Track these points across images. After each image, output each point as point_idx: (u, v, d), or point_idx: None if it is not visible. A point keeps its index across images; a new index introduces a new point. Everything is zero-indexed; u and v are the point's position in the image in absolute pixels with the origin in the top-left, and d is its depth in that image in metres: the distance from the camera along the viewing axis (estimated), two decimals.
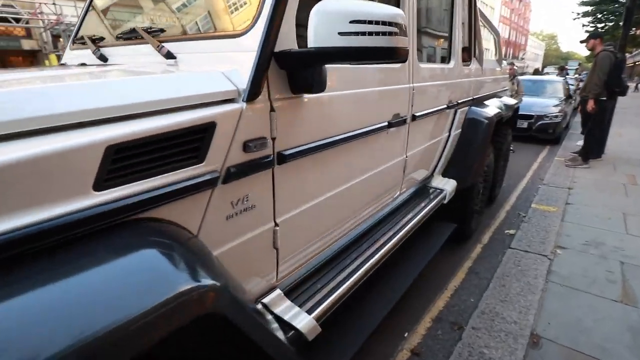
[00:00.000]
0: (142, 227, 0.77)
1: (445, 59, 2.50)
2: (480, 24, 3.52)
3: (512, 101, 3.91)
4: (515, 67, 6.71)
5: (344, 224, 1.64)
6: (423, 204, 2.32)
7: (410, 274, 2.16)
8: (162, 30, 1.33)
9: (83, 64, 1.54)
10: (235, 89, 0.96)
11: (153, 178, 0.79)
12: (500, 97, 3.99)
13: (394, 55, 0.97)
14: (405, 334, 2.18)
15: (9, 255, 0.59)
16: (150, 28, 1.35)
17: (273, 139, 1.07)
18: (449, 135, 2.69)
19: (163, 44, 1.22)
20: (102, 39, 1.64)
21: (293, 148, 1.14)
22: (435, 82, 2.22)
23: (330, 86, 1.29)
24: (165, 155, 0.81)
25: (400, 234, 1.95)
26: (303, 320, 1.24)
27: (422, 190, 2.54)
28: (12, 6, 8.41)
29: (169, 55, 1.18)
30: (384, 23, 0.93)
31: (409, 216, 2.13)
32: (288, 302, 1.31)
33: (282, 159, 1.11)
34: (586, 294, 2.38)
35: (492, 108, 3.15)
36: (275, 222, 1.18)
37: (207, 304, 0.69)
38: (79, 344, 0.52)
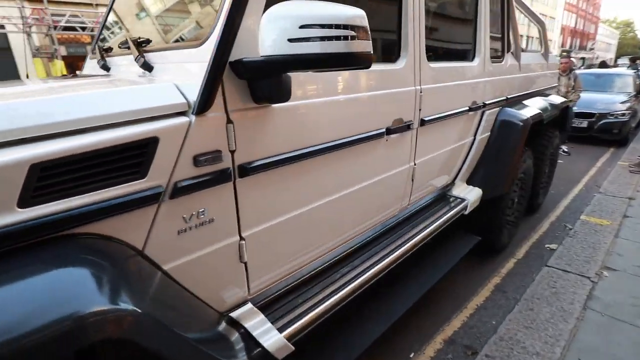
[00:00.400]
0: (70, 244, 0.76)
1: (468, 57, 2.27)
2: (521, 14, 3.18)
3: (559, 100, 3.49)
4: (572, 59, 6.02)
5: (334, 236, 1.55)
6: (438, 215, 2.14)
7: (419, 289, 2.01)
8: (149, 41, 1.34)
9: (74, 76, 1.61)
10: (184, 102, 0.92)
11: (87, 194, 0.78)
12: (547, 95, 3.59)
13: (352, 62, 0.86)
14: (411, 355, 2.03)
15: None
16: (139, 38, 1.36)
17: (232, 152, 1.02)
18: (473, 140, 2.46)
19: (144, 55, 1.22)
20: (110, 49, 1.70)
21: (258, 160, 1.08)
22: (452, 83, 2.02)
23: (306, 94, 1.21)
24: (100, 171, 0.79)
25: (404, 247, 1.80)
26: (272, 338, 1.18)
27: (440, 199, 2.35)
28: (77, 16, 9.38)
29: (146, 66, 1.19)
30: (338, 26, 0.83)
31: (418, 229, 1.97)
32: (260, 317, 1.25)
33: (244, 171, 1.05)
34: (632, 327, 2.03)
35: (530, 108, 2.84)
36: (240, 236, 1.13)
37: (111, 329, 0.66)
38: None
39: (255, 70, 0.94)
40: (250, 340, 1.16)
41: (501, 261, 2.95)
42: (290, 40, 0.84)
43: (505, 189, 2.53)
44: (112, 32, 1.94)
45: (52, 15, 9.36)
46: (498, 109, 2.62)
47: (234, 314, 1.20)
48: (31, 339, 0.57)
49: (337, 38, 0.83)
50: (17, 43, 9.36)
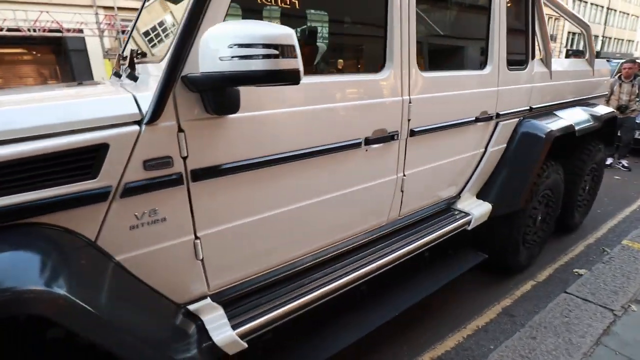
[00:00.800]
0: (25, 232, 0.90)
1: (477, 65, 2.16)
2: (562, 18, 2.94)
3: (604, 110, 3.15)
4: (639, 64, 5.34)
5: (304, 243, 1.58)
6: (434, 229, 2.07)
7: (406, 302, 1.96)
8: (144, 54, 1.48)
9: (79, 84, 1.80)
10: (136, 112, 1.02)
11: (42, 190, 0.92)
12: (592, 104, 3.27)
13: (278, 79, 0.90)
14: None
15: None
16: (138, 50, 1.51)
17: (184, 158, 1.11)
18: (484, 151, 2.33)
19: (135, 66, 1.36)
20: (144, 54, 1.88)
21: (211, 166, 1.16)
22: (453, 92, 1.94)
23: (264, 104, 1.26)
24: (53, 171, 0.92)
25: (387, 258, 1.78)
26: (223, 334, 1.25)
27: (442, 212, 2.27)
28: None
29: (132, 77, 1.32)
30: (263, 45, 0.88)
31: (408, 241, 1.93)
32: (219, 312, 1.34)
33: (197, 176, 1.14)
34: None
35: (560, 120, 2.61)
36: (195, 235, 1.22)
37: (40, 308, 0.78)
38: None
39: (196, 85, 1.01)
40: (203, 334, 1.24)
41: (518, 283, 2.75)
42: (220, 58, 0.90)
43: (519, 205, 2.37)
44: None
45: (122, 20, 10.44)
46: (517, 119, 2.46)
47: (191, 307, 1.30)
48: None
49: (264, 56, 0.88)
50: (92, 46, 10.58)
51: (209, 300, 1.33)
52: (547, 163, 2.61)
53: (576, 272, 2.85)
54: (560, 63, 3.13)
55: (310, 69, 1.87)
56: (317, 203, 1.51)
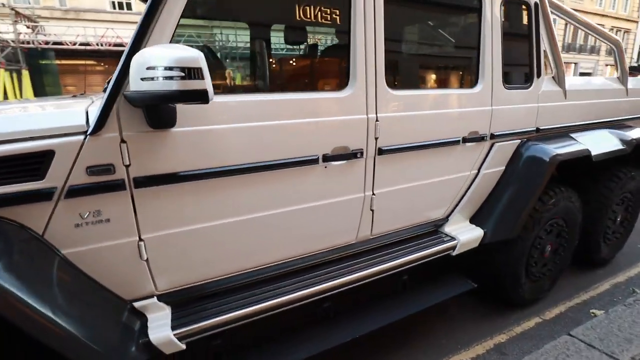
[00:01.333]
0: None
1: (466, 83, 2.09)
2: (590, 35, 2.74)
3: (637, 134, 2.84)
4: None
5: (258, 253, 1.61)
6: (412, 251, 2.00)
7: (376, 323, 1.92)
8: None
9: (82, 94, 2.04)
10: (82, 124, 1.16)
11: None
12: (628, 127, 2.97)
13: (186, 98, 0.98)
14: None
15: None
16: None
17: (126, 166, 1.22)
18: (477, 173, 2.22)
19: None
20: None
21: (154, 175, 1.26)
22: (433, 111, 1.89)
23: (216, 119, 1.35)
24: (4, 172, 1.08)
25: (349, 277, 1.76)
26: (161, 333, 1.33)
27: (427, 235, 2.18)
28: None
29: None
30: (172, 68, 0.97)
31: (376, 261, 1.89)
32: (165, 312, 1.42)
33: (139, 184, 1.24)
34: None
35: (573, 144, 2.41)
36: (140, 237, 1.32)
37: None
38: None
39: (130, 101, 1.13)
40: (144, 331, 1.34)
41: (520, 319, 2.53)
42: (142, 79, 1.01)
43: (514, 232, 2.20)
44: None
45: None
46: (519, 141, 2.31)
47: (137, 304, 1.39)
48: None
49: (165, 78, 0.97)
50: None
51: (155, 299, 1.42)
52: (555, 189, 2.40)
53: (593, 313, 2.56)
54: (582, 81, 2.90)
55: (265, 87, 1.94)
56: (268, 216, 1.54)
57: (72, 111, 1.21)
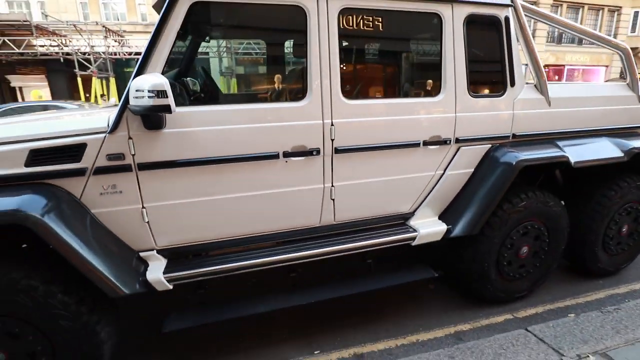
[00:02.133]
0: (43, 186, 1.69)
1: (426, 92, 2.33)
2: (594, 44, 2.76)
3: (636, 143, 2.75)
4: None
5: (233, 225, 2.08)
6: (373, 237, 2.32)
7: (332, 293, 2.29)
8: None
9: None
10: (104, 126, 1.74)
11: (50, 165, 1.70)
12: (632, 135, 2.90)
13: (156, 111, 1.49)
14: (316, 352, 2.31)
15: None
16: None
17: (133, 155, 1.78)
18: (442, 174, 2.44)
19: None
20: None
21: (152, 162, 1.80)
22: (389, 118, 2.19)
23: (196, 123, 1.86)
24: (57, 156, 1.70)
25: (311, 252, 2.15)
26: (154, 274, 1.88)
27: (392, 224, 2.47)
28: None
29: None
30: (150, 91, 1.49)
31: (335, 241, 2.25)
32: (161, 262, 1.97)
33: (141, 167, 1.80)
34: None
35: (550, 150, 2.49)
36: (142, 205, 1.88)
37: (30, 222, 1.52)
38: None
39: (132, 112, 1.68)
40: (144, 273, 1.90)
41: (491, 313, 2.68)
42: (135, 97, 1.54)
43: (475, 230, 2.39)
44: None
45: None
46: (489, 145, 2.48)
47: (142, 254, 1.97)
48: None
49: (151, 97, 1.49)
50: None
51: (155, 252, 1.98)
52: (529, 192, 2.51)
53: (571, 316, 2.59)
54: (578, 88, 2.89)
55: (232, 99, 2.41)
56: (239, 197, 2.01)
57: (100, 117, 1.80)
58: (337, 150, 2.12)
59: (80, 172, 1.74)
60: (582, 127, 2.73)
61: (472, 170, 2.49)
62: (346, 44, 2.03)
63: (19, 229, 1.54)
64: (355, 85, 2.29)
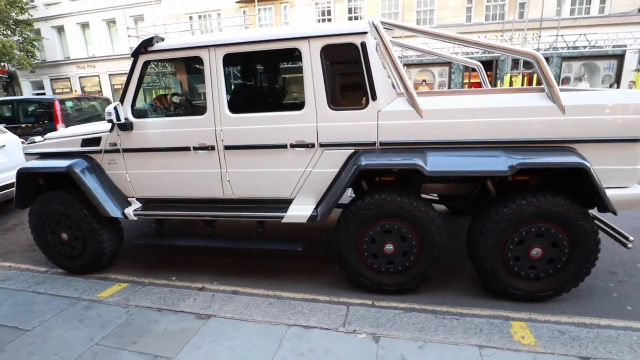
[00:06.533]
0: (86, 156, 3.51)
1: (297, 106, 3.04)
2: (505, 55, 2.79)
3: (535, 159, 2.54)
4: None
5: (178, 190, 3.43)
6: (253, 212, 3.25)
7: (234, 244, 3.40)
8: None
9: None
10: (108, 129, 3.40)
11: (89, 147, 3.49)
12: (564, 149, 2.69)
13: (121, 127, 3.01)
14: (215, 282, 3.44)
15: None
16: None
17: (120, 144, 3.37)
18: (311, 171, 3.07)
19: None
20: None
21: (128, 148, 3.35)
22: (261, 126, 3.05)
23: (150, 127, 3.30)
24: (91, 142, 3.47)
25: (215, 213, 3.30)
26: (128, 210, 3.46)
27: (274, 206, 3.27)
28: None
29: None
30: (110, 113, 3.00)
31: (229, 210, 3.31)
32: (137, 205, 3.55)
33: (124, 150, 3.37)
34: None
35: (404, 159, 2.75)
36: (127, 171, 3.47)
37: (69, 170, 3.32)
38: None
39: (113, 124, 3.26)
40: (127, 209, 3.52)
41: (353, 296, 3.09)
42: (108, 114, 3.11)
43: (324, 218, 2.95)
44: None
45: None
46: (352, 150, 2.95)
47: (129, 199, 3.60)
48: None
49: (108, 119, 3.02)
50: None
51: (135, 199, 3.58)
52: (383, 194, 2.82)
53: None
54: (459, 99, 2.86)
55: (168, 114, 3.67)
56: (171, 172, 3.34)
57: (107, 125, 3.50)
58: (226, 147, 3.16)
59: (100, 152, 3.48)
60: (467, 138, 2.74)
61: (338, 170, 3.00)
62: (232, 74, 3.06)
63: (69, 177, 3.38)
64: (238, 103, 3.24)
